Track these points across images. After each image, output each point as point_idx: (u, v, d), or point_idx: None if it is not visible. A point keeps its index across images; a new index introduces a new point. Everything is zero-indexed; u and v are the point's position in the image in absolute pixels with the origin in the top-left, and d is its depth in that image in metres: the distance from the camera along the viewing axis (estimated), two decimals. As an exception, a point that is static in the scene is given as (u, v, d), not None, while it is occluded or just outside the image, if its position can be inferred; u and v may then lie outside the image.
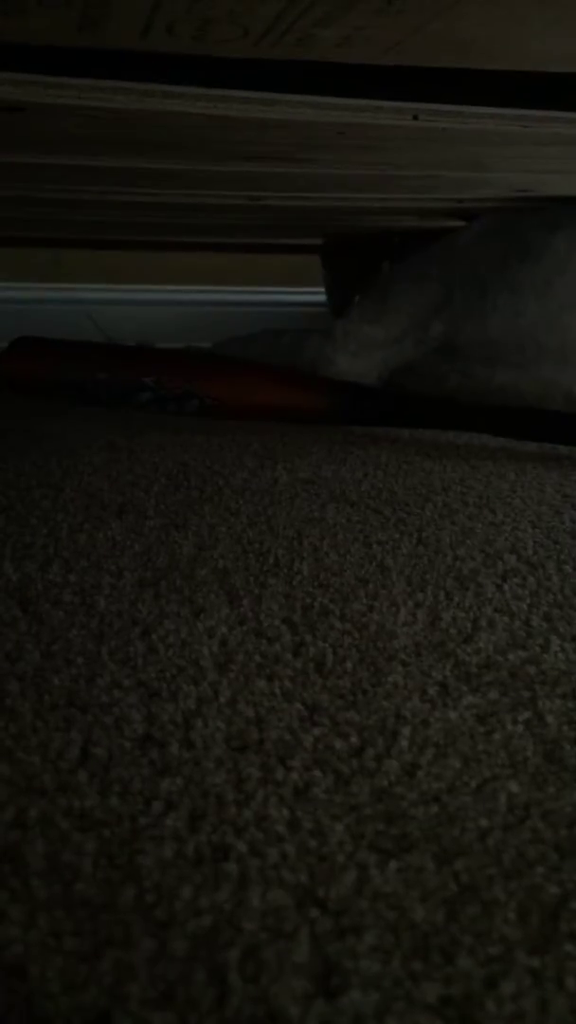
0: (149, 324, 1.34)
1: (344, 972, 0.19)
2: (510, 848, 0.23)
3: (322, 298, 1.33)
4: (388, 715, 0.29)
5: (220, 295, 1.53)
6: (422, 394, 0.81)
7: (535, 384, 0.79)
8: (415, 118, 0.45)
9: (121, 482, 0.57)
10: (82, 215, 0.92)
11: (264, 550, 0.45)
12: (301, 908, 0.21)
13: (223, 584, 0.40)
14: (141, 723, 0.29)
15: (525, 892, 0.21)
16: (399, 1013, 0.18)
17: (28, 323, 1.07)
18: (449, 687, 0.31)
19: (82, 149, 0.54)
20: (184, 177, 0.64)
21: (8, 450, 0.65)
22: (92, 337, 0.93)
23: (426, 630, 0.36)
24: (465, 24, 0.33)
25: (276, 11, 0.32)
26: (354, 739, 0.28)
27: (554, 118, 0.46)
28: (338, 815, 0.24)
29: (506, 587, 0.41)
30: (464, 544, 0.46)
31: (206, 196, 0.75)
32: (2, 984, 0.19)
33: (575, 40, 0.35)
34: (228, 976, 0.19)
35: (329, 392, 0.76)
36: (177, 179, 0.65)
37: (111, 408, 0.79)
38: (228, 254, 1.47)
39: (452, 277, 0.83)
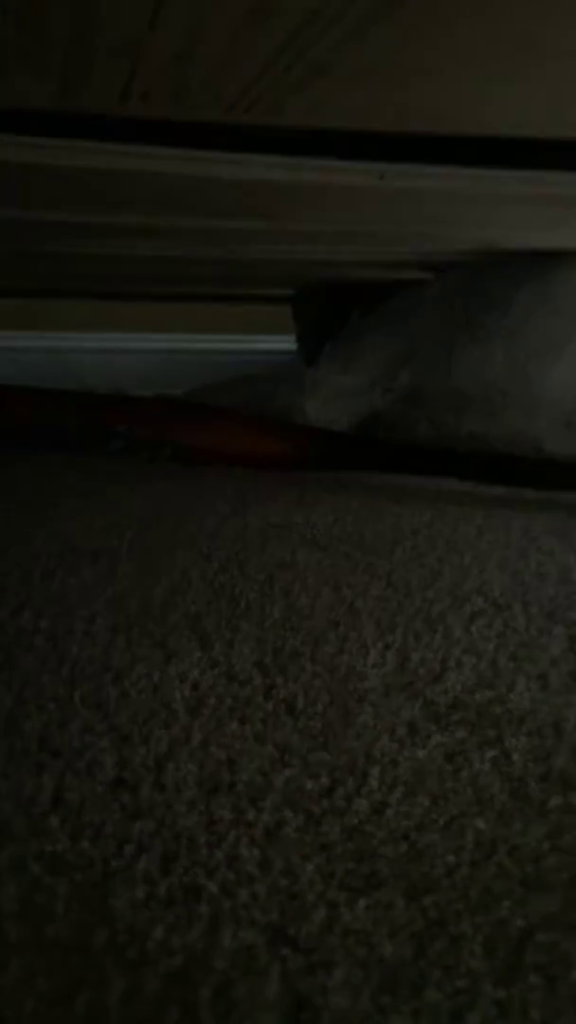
0: (122, 372, 1.36)
1: (315, 1008, 0.19)
2: (477, 883, 0.23)
3: (293, 347, 1.36)
4: (358, 755, 0.30)
5: (193, 343, 1.55)
6: (391, 440, 0.83)
7: (504, 432, 0.81)
8: (381, 178, 0.47)
9: (94, 528, 0.57)
10: (58, 266, 0.93)
11: (236, 594, 0.45)
12: (272, 946, 0.21)
13: (195, 628, 0.41)
14: (113, 767, 0.29)
15: (492, 926, 0.22)
16: (368, 1047, 0.18)
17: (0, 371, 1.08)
18: (418, 727, 0.32)
19: (59, 206, 0.55)
20: (159, 232, 0.66)
21: (-19, 496, 0.65)
22: (65, 385, 0.94)
23: (395, 671, 0.37)
24: (423, 93, 0.35)
25: (248, 79, 0.33)
26: (324, 779, 0.28)
27: (507, 178, 0.48)
28: (308, 854, 0.25)
29: (473, 628, 0.41)
30: (433, 586, 0.47)
31: (181, 249, 0.77)
32: (-26, 1027, 0.19)
33: (524, 108, 0.37)
34: (200, 1014, 0.19)
35: (300, 439, 0.78)
36: (152, 234, 0.67)
37: (84, 455, 0.79)
38: (201, 303, 1.49)
39: (419, 327, 0.85)
